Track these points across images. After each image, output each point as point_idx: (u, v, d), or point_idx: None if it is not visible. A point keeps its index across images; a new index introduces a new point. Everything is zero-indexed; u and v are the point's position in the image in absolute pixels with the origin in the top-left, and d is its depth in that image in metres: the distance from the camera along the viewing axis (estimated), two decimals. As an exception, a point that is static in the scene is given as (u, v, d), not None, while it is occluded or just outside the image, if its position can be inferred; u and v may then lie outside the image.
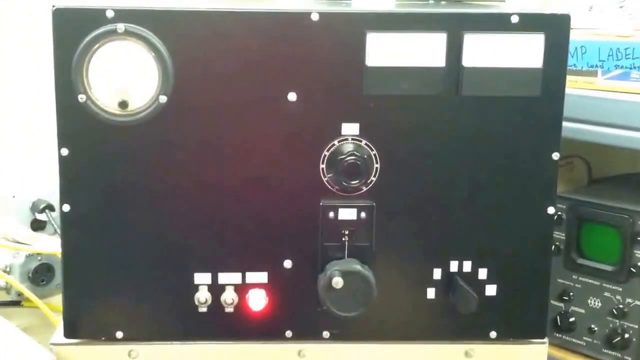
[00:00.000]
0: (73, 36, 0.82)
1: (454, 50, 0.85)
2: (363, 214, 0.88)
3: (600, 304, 1.11)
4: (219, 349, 0.91)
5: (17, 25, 1.39)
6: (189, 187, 0.87)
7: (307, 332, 0.91)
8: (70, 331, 0.89)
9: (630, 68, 1.02)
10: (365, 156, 0.86)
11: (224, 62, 0.84)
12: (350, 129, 0.86)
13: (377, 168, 0.87)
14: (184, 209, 0.87)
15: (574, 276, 1.14)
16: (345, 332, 0.91)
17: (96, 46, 0.82)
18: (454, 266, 0.90)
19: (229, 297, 0.89)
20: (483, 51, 0.85)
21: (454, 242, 0.90)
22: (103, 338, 0.90)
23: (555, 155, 0.88)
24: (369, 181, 0.87)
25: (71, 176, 0.86)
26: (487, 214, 0.89)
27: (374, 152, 0.87)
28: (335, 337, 0.91)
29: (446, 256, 0.90)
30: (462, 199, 0.89)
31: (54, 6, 0.82)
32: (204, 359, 0.91)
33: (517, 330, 0.92)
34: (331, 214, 0.88)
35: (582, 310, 1.13)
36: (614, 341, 1.09)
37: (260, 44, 0.84)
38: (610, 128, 1.02)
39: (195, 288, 0.89)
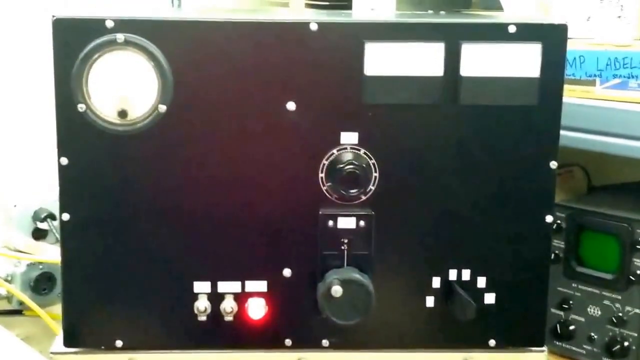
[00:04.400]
0: (73, 46, 0.83)
1: (452, 59, 0.85)
2: (362, 223, 0.88)
3: (599, 312, 1.11)
4: (219, 357, 0.91)
5: (18, 36, 1.40)
6: (188, 196, 0.87)
7: (307, 341, 0.91)
8: (70, 340, 0.90)
9: (629, 77, 1.02)
10: (364, 165, 0.86)
11: (223, 72, 0.85)
12: (349, 137, 0.87)
13: (375, 177, 0.87)
14: (184, 217, 0.87)
15: (573, 284, 1.14)
16: (345, 341, 0.91)
17: (96, 56, 0.83)
18: (452, 274, 0.90)
19: (228, 305, 0.89)
20: (481, 61, 0.85)
21: (452, 250, 0.90)
22: (103, 347, 0.90)
23: (553, 164, 0.88)
24: (367, 190, 0.88)
25: (71, 185, 0.86)
26: (486, 222, 0.89)
27: (373, 161, 0.87)
28: (334, 346, 0.91)
29: (445, 264, 0.90)
30: (461, 207, 0.89)
31: (54, 16, 0.83)
32: (203, 367, 0.91)
33: (516, 338, 0.92)
34: (330, 223, 0.88)
35: (582, 319, 1.13)
36: (613, 349, 1.09)
37: (259, 53, 0.85)
38: (609, 137, 1.02)
39: (195, 297, 0.89)
